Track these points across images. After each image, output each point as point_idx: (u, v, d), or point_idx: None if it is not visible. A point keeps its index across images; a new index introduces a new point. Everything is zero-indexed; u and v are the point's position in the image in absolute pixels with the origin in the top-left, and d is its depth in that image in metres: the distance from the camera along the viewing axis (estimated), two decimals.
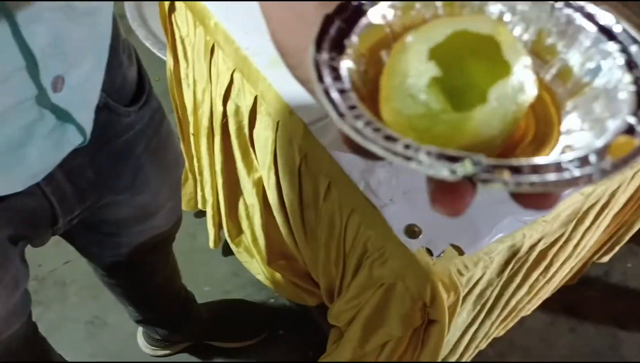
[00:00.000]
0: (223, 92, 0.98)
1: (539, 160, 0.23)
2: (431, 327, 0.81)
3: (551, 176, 0.22)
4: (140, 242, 0.89)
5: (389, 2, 0.27)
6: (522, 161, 0.23)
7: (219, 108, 1.02)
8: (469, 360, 1.23)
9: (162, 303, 1.16)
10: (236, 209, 1.26)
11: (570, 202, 0.83)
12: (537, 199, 0.23)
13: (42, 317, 1.42)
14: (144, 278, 1.03)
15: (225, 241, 1.41)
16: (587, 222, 0.96)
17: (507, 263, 0.84)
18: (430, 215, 0.76)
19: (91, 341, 1.41)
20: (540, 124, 0.27)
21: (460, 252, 0.73)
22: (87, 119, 0.56)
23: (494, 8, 0.28)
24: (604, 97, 0.25)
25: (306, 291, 1.29)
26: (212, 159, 1.19)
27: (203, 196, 1.40)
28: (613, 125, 0.24)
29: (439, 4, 0.28)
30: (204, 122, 1.13)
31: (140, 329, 1.36)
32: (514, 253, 0.82)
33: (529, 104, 0.25)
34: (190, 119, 1.22)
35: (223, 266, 1.54)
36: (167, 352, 1.37)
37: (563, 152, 0.25)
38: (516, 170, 0.22)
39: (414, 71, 0.25)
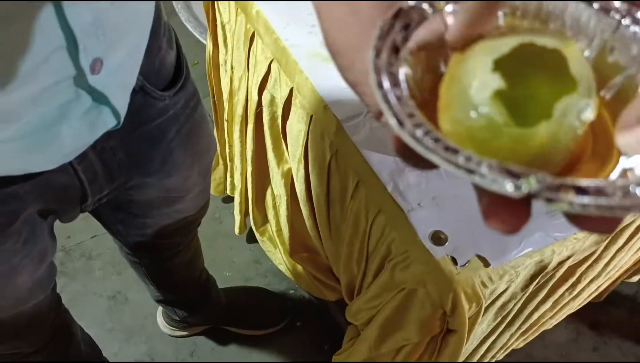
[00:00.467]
0: (259, 81, 0.98)
1: (604, 182, 0.22)
2: (449, 336, 0.80)
3: (618, 200, 0.21)
4: (166, 224, 0.90)
5: (450, 7, 0.27)
6: (588, 182, 0.22)
7: (254, 97, 1.02)
8: None
9: (182, 284, 1.17)
10: (263, 198, 1.26)
11: None
12: (598, 222, 0.22)
13: (66, 288, 1.46)
14: (167, 259, 1.04)
15: (250, 228, 1.42)
16: (620, 242, 0.94)
17: (533, 277, 0.82)
18: (457, 223, 0.75)
19: (112, 316, 1.43)
20: (599, 143, 0.26)
21: (486, 264, 0.71)
22: (122, 103, 0.56)
23: (555, 23, 0.27)
24: None
25: (326, 286, 1.29)
26: (243, 147, 1.19)
27: (232, 182, 1.41)
28: None
29: (499, 13, 0.27)
30: (239, 110, 1.13)
31: (160, 308, 1.38)
32: (541, 268, 0.80)
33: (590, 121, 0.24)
34: (226, 105, 1.23)
35: (246, 253, 1.55)
36: (185, 333, 1.39)
37: (623, 175, 0.24)
38: (582, 191, 0.21)
39: (478, 81, 0.24)
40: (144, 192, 0.76)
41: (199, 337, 1.41)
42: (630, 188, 0.22)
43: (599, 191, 0.21)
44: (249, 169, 1.19)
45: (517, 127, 0.23)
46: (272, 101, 0.98)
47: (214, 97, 1.30)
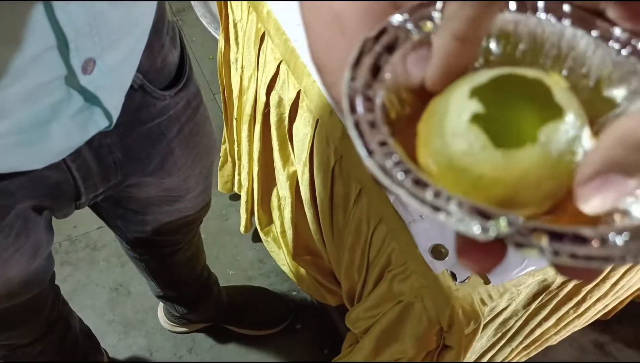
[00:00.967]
0: (268, 82, 0.97)
1: (585, 229, 0.20)
2: (446, 351, 0.78)
3: (594, 250, 0.19)
4: (165, 222, 0.89)
5: (439, 21, 0.25)
6: (566, 228, 0.20)
7: (262, 97, 1.01)
8: None
9: (182, 282, 1.16)
10: (269, 198, 1.26)
11: None
12: (576, 270, 0.21)
13: (69, 278, 1.46)
14: (167, 256, 1.03)
15: (256, 227, 1.41)
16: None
17: (535, 296, 0.80)
18: None
19: (113, 307, 1.43)
20: None
21: (486, 281, 0.70)
22: (115, 104, 0.55)
23: (551, 50, 0.25)
24: None
25: (328, 290, 1.28)
26: (251, 146, 1.19)
27: (239, 181, 1.40)
28: None
29: (491, 39, 0.25)
30: (247, 109, 1.12)
31: (161, 303, 1.37)
32: (544, 287, 0.78)
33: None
34: (235, 103, 1.22)
35: (250, 251, 1.54)
36: (185, 329, 1.38)
37: (616, 218, 0.22)
38: (557, 236, 0.19)
39: (455, 108, 0.22)
40: (143, 190, 0.75)
41: (199, 333, 1.40)
42: (610, 237, 0.20)
43: (576, 238, 0.19)
44: (256, 169, 1.19)
45: (497, 150, 0.21)
46: (280, 102, 0.97)
47: (224, 94, 1.29)
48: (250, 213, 1.38)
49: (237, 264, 1.53)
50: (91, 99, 0.51)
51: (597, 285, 0.94)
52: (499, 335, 0.92)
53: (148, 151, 0.68)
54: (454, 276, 0.70)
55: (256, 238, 1.52)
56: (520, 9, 0.25)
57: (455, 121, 0.22)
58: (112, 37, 0.48)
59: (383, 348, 0.85)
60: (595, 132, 0.24)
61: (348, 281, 1.02)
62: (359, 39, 0.24)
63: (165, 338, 1.40)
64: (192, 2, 1.72)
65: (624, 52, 0.24)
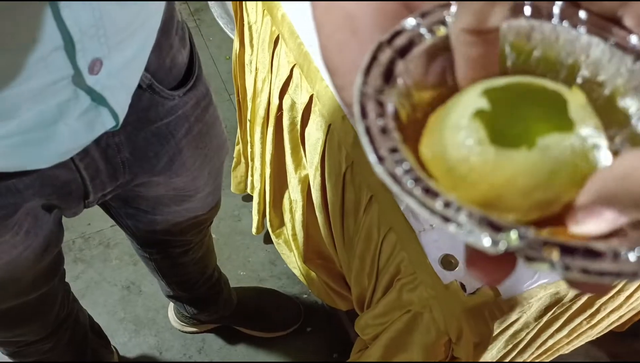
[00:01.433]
0: (281, 85, 0.97)
1: (597, 243, 0.19)
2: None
3: (606, 265, 0.19)
4: (175, 222, 0.89)
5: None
6: (578, 242, 0.19)
7: (275, 100, 1.01)
8: None
9: (192, 282, 1.16)
10: (281, 201, 1.25)
11: None
12: (588, 283, 0.21)
13: (82, 275, 1.47)
14: (177, 256, 1.03)
15: (268, 229, 1.41)
16: None
17: (547, 309, 0.79)
18: None
19: (124, 306, 1.44)
20: None
21: (497, 294, 0.68)
22: (122, 104, 0.55)
23: (566, 58, 0.24)
24: None
25: (338, 295, 1.27)
26: (263, 149, 1.18)
27: (252, 182, 1.40)
28: None
29: (506, 45, 0.24)
30: (260, 112, 1.12)
31: (171, 303, 1.38)
32: (556, 300, 0.77)
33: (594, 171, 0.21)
34: (249, 105, 1.22)
35: (262, 253, 1.54)
36: (195, 329, 1.39)
37: (628, 229, 0.21)
38: (568, 251, 0.19)
39: (463, 103, 0.22)
40: (152, 190, 0.75)
41: (209, 334, 1.41)
42: (622, 252, 0.19)
43: (588, 252, 0.19)
44: (268, 171, 1.18)
45: (491, 146, 0.21)
46: (293, 106, 0.97)
47: (238, 95, 1.29)
48: (263, 214, 1.38)
49: (249, 265, 1.53)
50: (98, 99, 0.51)
51: (611, 297, 0.93)
52: (510, 346, 0.91)
53: (156, 151, 0.68)
54: (463, 287, 0.69)
55: (268, 239, 1.52)
56: (535, 14, 0.24)
57: (459, 114, 0.22)
58: (119, 38, 0.48)
59: (391, 357, 0.84)
60: (614, 153, 0.23)
61: (358, 287, 1.01)
62: (371, 41, 0.23)
63: (175, 338, 1.40)
64: (209, 2, 1.72)
65: (639, 61, 0.23)
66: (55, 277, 0.81)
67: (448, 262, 0.70)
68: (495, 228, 0.19)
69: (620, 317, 1.14)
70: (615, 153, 0.23)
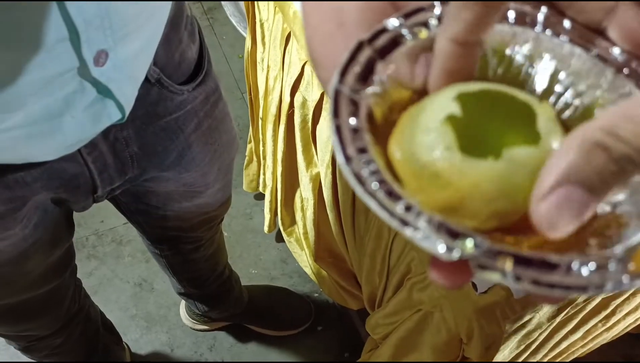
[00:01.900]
0: (292, 82, 0.97)
1: (551, 255, 0.19)
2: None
3: (556, 278, 0.19)
4: (186, 218, 0.89)
5: (435, 29, 0.24)
6: (533, 253, 0.19)
7: (287, 98, 1.01)
8: None
9: (203, 279, 1.16)
10: (292, 199, 1.25)
11: None
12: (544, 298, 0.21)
13: (95, 272, 1.48)
14: (188, 253, 1.03)
15: (279, 228, 1.41)
16: None
17: (561, 309, 0.78)
18: None
19: (136, 302, 1.45)
20: None
21: (509, 294, 0.67)
22: (128, 97, 0.55)
23: (547, 66, 0.24)
24: None
25: (349, 294, 1.27)
26: (275, 147, 1.18)
27: (264, 180, 1.40)
28: None
29: (488, 49, 0.24)
30: (272, 110, 1.11)
31: (183, 301, 1.38)
32: (570, 301, 0.76)
33: None
34: (261, 103, 1.22)
35: (273, 251, 1.54)
36: (206, 327, 1.39)
37: (592, 242, 0.21)
38: (523, 261, 0.19)
39: (435, 106, 0.22)
40: (162, 185, 0.75)
41: (220, 332, 1.41)
42: (575, 266, 0.19)
43: (543, 264, 0.19)
44: (279, 169, 1.18)
45: (458, 153, 0.21)
46: (304, 103, 0.97)
47: (250, 93, 1.29)
48: (274, 213, 1.38)
49: (260, 263, 1.53)
50: (104, 91, 0.51)
51: (626, 299, 0.91)
52: (523, 347, 0.90)
53: (165, 146, 0.67)
54: (474, 286, 0.68)
55: (279, 238, 1.51)
56: (519, 21, 0.24)
57: (430, 117, 0.22)
58: (125, 30, 0.48)
59: (401, 356, 0.83)
60: None
61: (369, 286, 1.01)
62: (356, 35, 0.23)
63: (187, 336, 1.41)
64: (222, 1, 1.72)
65: (620, 74, 0.23)
66: (65, 272, 0.82)
67: None
68: (453, 234, 0.19)
69: (637, 319, 1.12)
70: None
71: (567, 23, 0.24)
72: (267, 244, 1.55)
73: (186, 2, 0.65)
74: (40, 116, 0.48)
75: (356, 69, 0.23)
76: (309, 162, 1.06)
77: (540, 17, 0.24)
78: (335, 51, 0.24)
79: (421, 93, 0.24)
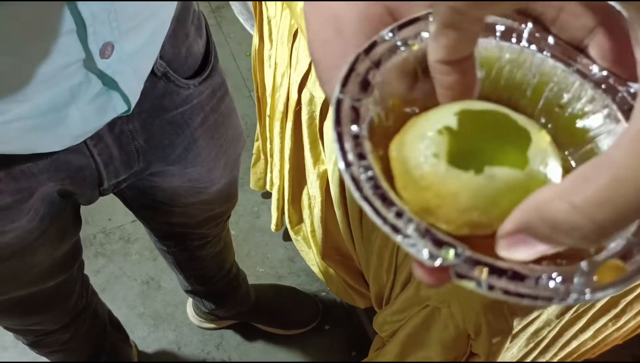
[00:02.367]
0: (300, 79, 0.97)
1: (523, 267, 0.21)
2: (473, 358, 0.76)
3: (524, 289, 0.21)
4: (192, 214, 0.89)
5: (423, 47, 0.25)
6: (507, 265, 0.21)
7: (294, 95, 1.01)
8: None
9: (210, 276, 1.17)
10: (299, 197, 1.25)
11: None
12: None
13: (103, 269, 1.49)
14: (195, 249, 1.04)
15: (287, 226, 1.41)
16: None
17: (569, 306, 0.77)
18: None
19: (144, 300, 1.45)
20: None
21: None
22: (133, 89, 0.55)
23: (532, 79, 0.26)
24: None
25: (357, 292, 1.26)
26: (282, 144, 1.18)
27: (271, 179, 1.40)
28: (613, 244, 0.22)
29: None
30: (280, 107, 1.11)
31: (190, 299, 1.38)
32: None
33: None
34: (268, 100, 1.22)
35: (281, 250, 1.54)
36: (213, 325, 1.39)
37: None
38: (496, 272, 0.21)
39: (436, 117, 0.24)
40: (167, 180, 0.75)
41: (227, 330, 1.41)
42: (543, 278, 0.21)
43: (515, 275, 0.21)
44: (287, 167, 1.18)
45: (444, 163, 0.23)
46: (312, 100, 0.96)
47: (257, 91, 1.29)
48: (282, 211, 1.38)
49: (268, 262, 1.53)
50: (109, 83, 0.51)
51: (637, 297, 0.90)
52: (532, 345, 0.89)
53: (171, 140, 0.68)
54: None
55: (287, 236, 1.51)
56: (505, 36, 0.26)
57: (428, 126, 0.24)
58: (131, 24, 0.48)
59: (408, 353, 0.83)
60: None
61: (377, 284, 1.00)
62: (353, 41, 0.25)
63: (194, 334, 1.41)
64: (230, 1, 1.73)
65: (599, 89, 0.25)
66: (73, 266, 0.82)
67: None
68: (438, 243, 0.21)
69: None
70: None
71: (551, 40, 0.26)
72: (275, 242, 1.55)
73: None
74: (46, 107, 0.49)
75: (355, 79, 0.24)
76: (317, 159, 1.05)
77: (525, 33, 0.26)
78: (334, 55, 0.26)
79: (414, 100, 0.26)
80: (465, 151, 0.24)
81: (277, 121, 1.16)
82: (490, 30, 0.26)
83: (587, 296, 0.21)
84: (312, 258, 1.33)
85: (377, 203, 0.22)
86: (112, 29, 0.46)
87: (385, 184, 0.23)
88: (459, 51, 0.23)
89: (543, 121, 0.26)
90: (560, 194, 0.19)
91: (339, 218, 1.07)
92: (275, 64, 1.09)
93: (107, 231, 1.55)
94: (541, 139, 0.24)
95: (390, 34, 0.25)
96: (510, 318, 0.67)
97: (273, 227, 1.43)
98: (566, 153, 0.26)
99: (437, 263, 0.21)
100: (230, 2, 1.72)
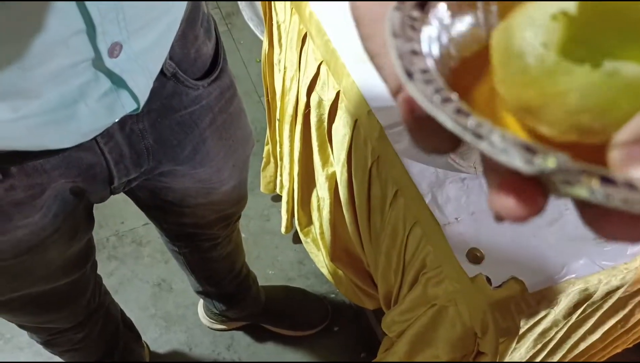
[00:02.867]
0: (309, 83, 0.98)
1: (634, 179, 0.18)
2: (480, 357, 0.76)
3: None
4: (203, 214, 0.91)
5: None
6: (617, 175, 0.18)
7: (303, 98, 1.02)
8: None
9: (221, 277, 1.18)
10: (309, 199, 1.26)
11: None
12: (623, 227, 0.18)
13: (116, 272, 1.51)
14: (205, 250, 1.05)
15: (296, 229, 1.42)
16: None
17: (577, 306, 0.77)
18: (495, 242, 0.72)
19: (155, 302, 1.47)
20: None
21: (523, 288, 0.68)
22: (143, 88, 0.56)
23: None
24: None
25: (365, 294, 1.27)
26: (292, 147, 1.19)
27: (281, 182, 1.41)
28: None
29: None
30: (289, 110, 1.13)
31: (201, 300, 1.40)
32: (586, 297, 0.75)
33: None
34: (278, 104, 1.23)
35: (290, 252, 1.55)
36: (223, 327, 1.40)
37: None
38: (608, 181, 0.17)
39: (543, 4, 0.20)
40: (177, 180, 0.77)
41: (237, 332, 1.42)
42: None
43: (629, 186, 0.17)
44: (296, 169, 1.19)
45: (555, 54, 0.19)
46: (320, 103, 0.98)
47: (267, 95, 1.31)
48: (291, 214, 1.39)
49: (277, 264, 1.54)
50: (118, 82, 0.52)
51: None
52: (539, 346, 0.89)
53: (180, 139, 0.69)
54: (489, 281, 0.68)
55: (297, 239, 1.52)
56: None
57: (540, 9, 0.20)
58: (139, 24, 0.49)
59: (416, 352, 0.83)
60: None
61: (385, 285, 1.01)
62: None
63: (205, 335, 1.42)
64: (239, 5, 1.75)
65: None
66: (86, 265, 0.83)
67: (474, 256, 0.70)
68: (531, 151, 0.18)
69: None
70: None
71: None
72: (285, 245, 1.56)
73: (203, 2, 0.66)
74: (55, 104, 0.50)
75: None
76: (325, 161, 1.07)
77: None
78: (377, 6, 0.24)
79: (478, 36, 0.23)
80: (581, 42, 0.20)
81: (287, 124, 1.17)
82: None
83: None
84: (321, 260, 1.34)
85: (452, 113, 0.19)
86: (120, 29, 0.47)
87: (455, 96, 0.20)
88: None
89: None
90: None
91: (348, 220, 1.08)
92: (285, 68, 1.11)
93: (120, 234, 1.57)
94: None
95: None
96: (517, 317, 0.68)
97: (283, 230, 1.45)
98: None
99: (537, 167, 0.17)
100: (241, 8, 1.74)
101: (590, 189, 0.17)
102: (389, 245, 0.89)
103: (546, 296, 0.69)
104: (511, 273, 0.68)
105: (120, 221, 1.58)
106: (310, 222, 1.33)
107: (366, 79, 0.84)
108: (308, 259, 1.45)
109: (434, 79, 0.20)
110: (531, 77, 0.19)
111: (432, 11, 0.23)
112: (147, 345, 1.37)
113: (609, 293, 0.78)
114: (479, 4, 0.24)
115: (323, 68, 0.93)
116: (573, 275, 0.70)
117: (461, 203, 0.73)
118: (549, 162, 0.18)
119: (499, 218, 0.19)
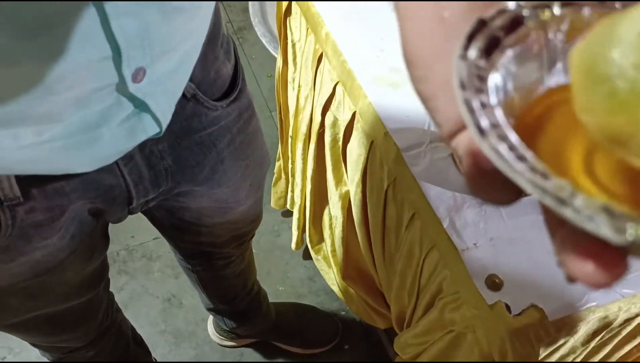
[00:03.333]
0: (324, 102, 0.98)
1: None
2: None
3: None
4: (219, 233, 0.90)
5: (558, 10, 0.22)
6: None
7: (317, 117, 1.02)
8: None
9: (232, 295, 1.17)
10: (321, 217, 1.25)
11: None
12: None
13: (126, 286, 1.50)
14: (219, 268, 1.05)
15: (307, 245, 1.41)
16: None
17: (595, 333, 0.76)
18: (515, 268, 0.71)
19: (165, 318, 1.46)
20: None
21: (543, 316, 0.67)
22: (165, 111, 0.56)
23: None
24: None
25: (377, 313, 1.26)
26: (304, 165, 1.19)
27: (292, 198, 1.41)
28: None
29: (618, 4, 0.22)
30: (303, 128, 1.13)
31: (211, 317, 1.39)
32: (605, 325, 0.74)
33: None
34: (291, 122, 1.23)
35: (301, 269, 1.55)
36: (233, 343, 1.39)
37: None
38: None
39: (630, 21, 0.18)
40: (195, 200, 0.76)
41: (247, 348, 1.41)
42: None
43: None
44: (309, 187, 1.19)
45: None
46: (335, 122, 0.98)
47: (280, 113, 1.31)
48: (302, 230, 1.39)
49: (288, 281, 1.53)
50: (141, 106, 0.52)
51: None
52: None
53: (199, 160, 0.69)
54: (508, 308, 0.67)
55: (307, 255, 1.52)
56: None
57: (627, 27, 0.18)
58: (163, 48, 0.49)
59: None
60: None
61: (398, 305, 1.00)
62: (457, 30, 0.22)
63: (214, 351, 1.41)
64: (252, 21, 1.75)
65: None
66: (100, 284, 0.83)
67: (493, 282, 0.69)
68: (616, 217, 0.17)
69: None
70: None
71: None
72: (295, 261, 1.56)
73: (222, 22, 0.66)
74: (78, 128, 0.50)
75: (479, 44, 0.21)
76: (339, 180, 1.06)
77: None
78: (433, 46, 0.24)
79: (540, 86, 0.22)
80: None
81: (300, 142, 1.17)
82: None
83: None
84: (332, 278, 1.33)
85: (529, 174, 0.18)
86: (144, 54, 0.47)
87: (531, 154, 0.19)
88: None
89: None
90: None
91: (360, 239, 1.08)
92: (299, 86, 1.11)
93: (130, 249, 1.57)
94: None
95: (516, 4, 0.22)
96: (536, 345, 0.67)
97: (293, 246, 1.44)
98: None
99: (630, 238, 0.16)
100: (253, 24, 1.75)
101: None
102: (404, 266, 0.88)
103: (566, 324, 0.68)
104: (531, 300, 0.68)
105: (130, 236, 1.58)
106: (321, 239, 1.32)
107: (383, 100, 0.84)
108: (318, 276, 1.45)
109: (506, 135, 0.19)
110: (620, 102, 0.18)
111: (499, 59, 0.22)
112: (156, 361, 1.36)
113: (627, 320, 0.77)
114: (549, 31, 0.23)
115: (339, 88, 0.93)
116: (594, 303, 0.69)
117: (479, 228, 0.73)
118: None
119: (572, 280, 0.18)
